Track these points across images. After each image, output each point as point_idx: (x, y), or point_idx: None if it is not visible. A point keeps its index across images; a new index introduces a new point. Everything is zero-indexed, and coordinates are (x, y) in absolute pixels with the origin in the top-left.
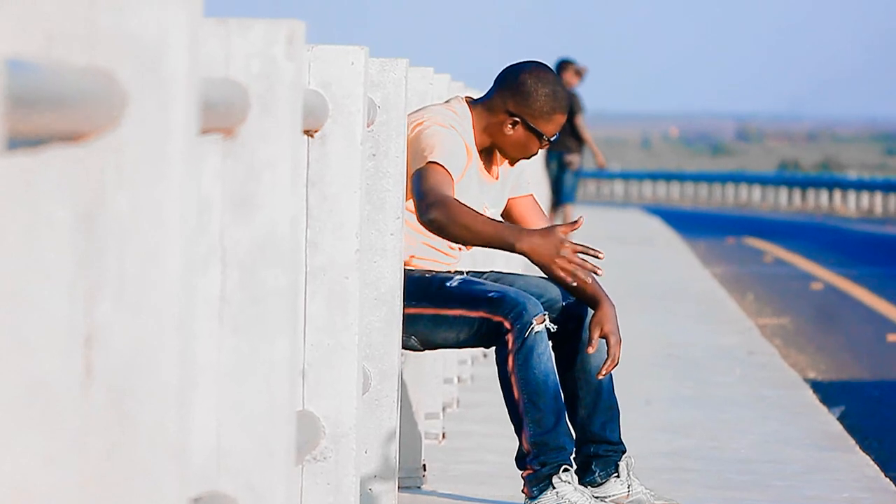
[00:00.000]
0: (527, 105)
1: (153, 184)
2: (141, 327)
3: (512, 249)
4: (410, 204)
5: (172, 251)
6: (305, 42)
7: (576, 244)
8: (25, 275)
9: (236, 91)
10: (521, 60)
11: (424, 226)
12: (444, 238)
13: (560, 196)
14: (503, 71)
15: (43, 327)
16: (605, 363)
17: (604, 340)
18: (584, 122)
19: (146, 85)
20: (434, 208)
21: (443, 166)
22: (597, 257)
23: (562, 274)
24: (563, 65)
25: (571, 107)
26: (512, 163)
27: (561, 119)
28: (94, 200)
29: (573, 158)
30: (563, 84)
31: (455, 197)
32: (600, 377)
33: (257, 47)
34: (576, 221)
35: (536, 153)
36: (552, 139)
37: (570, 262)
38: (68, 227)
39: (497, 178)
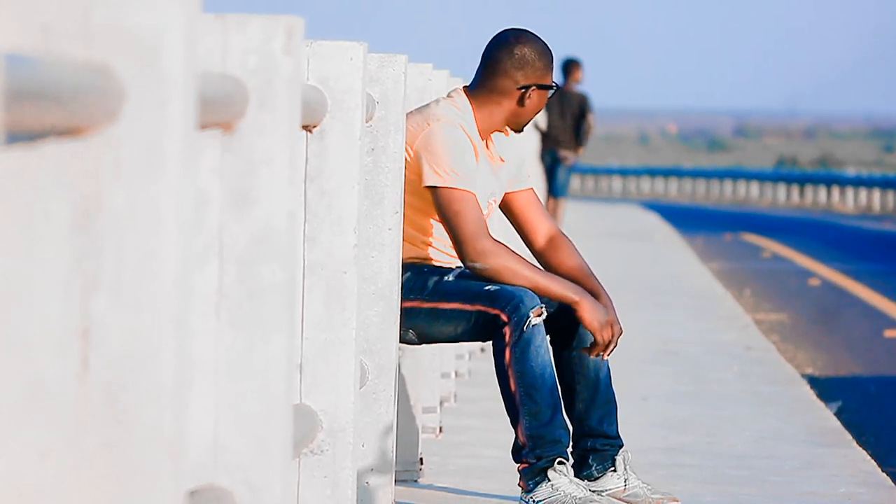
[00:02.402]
0: (534, 70)
1: (150, 179)
2: (137, 322)
3: (572, 303)
4: (413, 200)
5: (169, 246)
6: (304, 38)
7: (620, 331)
8: (21, 269)
9: (234, 86)
10: (496, 35)
11: (472, 271)
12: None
13: (552, 190)
14: (490, 53)
15: (39, 322)
16: (594, 347)
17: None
18: (594, 122)
19: (144, 80)
20: (485, 257)
21: (466, 190)
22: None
23: (599, 338)
24: (572, 64)
25: (582, 106)
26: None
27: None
28: (91, 195)
29: (568, 154)
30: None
31: (497, 240)
32: (593, 356)
33: (255, 43)
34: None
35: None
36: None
37: (612, 337)
38: (65, 222)
39: (503, 161)
